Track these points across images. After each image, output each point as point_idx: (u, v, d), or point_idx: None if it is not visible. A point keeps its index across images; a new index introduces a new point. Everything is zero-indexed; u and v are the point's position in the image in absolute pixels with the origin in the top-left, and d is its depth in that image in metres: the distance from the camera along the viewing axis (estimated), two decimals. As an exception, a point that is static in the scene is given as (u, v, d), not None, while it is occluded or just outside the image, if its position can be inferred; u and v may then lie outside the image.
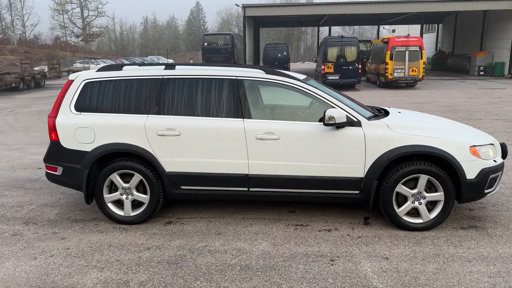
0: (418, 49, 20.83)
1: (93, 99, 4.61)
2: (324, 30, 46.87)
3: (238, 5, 30.34)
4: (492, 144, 4.44)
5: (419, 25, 41.18)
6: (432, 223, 4.30)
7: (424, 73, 21.31)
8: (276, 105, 4.79)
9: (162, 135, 4.44)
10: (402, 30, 44.60)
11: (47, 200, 5.51)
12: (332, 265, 3.67)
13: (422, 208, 4.28)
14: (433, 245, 4.02)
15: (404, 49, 20.83)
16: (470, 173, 4.20)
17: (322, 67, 21.14)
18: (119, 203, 4.65)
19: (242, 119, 4.40)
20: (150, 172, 4.50)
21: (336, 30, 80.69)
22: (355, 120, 4.29)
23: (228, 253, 3.92)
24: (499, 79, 26.10)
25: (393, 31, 48.57)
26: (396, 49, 20.79)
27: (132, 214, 4.61)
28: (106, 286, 3.42)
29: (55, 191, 5.86)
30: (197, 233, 4.39)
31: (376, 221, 4.57)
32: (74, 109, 4.62)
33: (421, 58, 20.82)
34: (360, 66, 21.23)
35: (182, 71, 4.62)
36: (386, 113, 4.88)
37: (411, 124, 4.44)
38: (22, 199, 5.58)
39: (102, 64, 6.77)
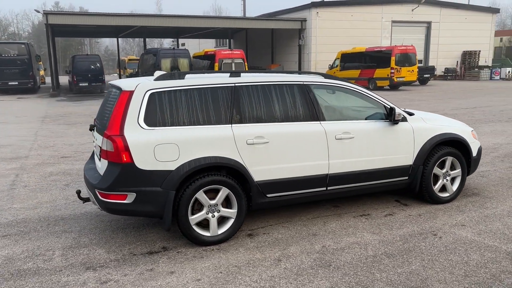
0: (242, 61, 22.83)
1: (165, 112, 4.10)
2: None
3: (38, 11, 26.95)
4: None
5: (211, 39, 44.54)
6: (455, 195, 5.42)
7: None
8: (338, 106, 5.13)
9: (252, 144, 4.31)
10: (192, 43, 46.98)
11: (84, 239, 4.47)
12: (440, 237, 4.35)
13: (448, 184, 5.36)
14: (477, 208, 5.10)
15: (231, 61, 22.53)
16: (474, 151, 5.49)
17: (157, 78, 20.93)
18: (200, 224, 4.25)
19: (319, 122, 4.64)
20: (237, 184, 4.29)
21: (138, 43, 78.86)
22: (403, 116, 5.07)
23: (353, 248, 4.16)
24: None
25: (183, 44, 50.69)
26: (224, 61, 22.32)
27: (220, 232, 4.29)
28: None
29: (69, 229, 4.76)
30: (295, 237, 4.42)
31: (410, 202, 5.42)
32: (144, 123, 4.01)
33: (245, 69, 22.88)
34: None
35: (250, 78, 4.55)
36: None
37: (434, 118, 5.47)
38: (55, 243, 4.37)
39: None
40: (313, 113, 4.64)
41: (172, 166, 4.02)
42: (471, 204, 5.29)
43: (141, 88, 4.10)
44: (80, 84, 26.14)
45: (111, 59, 78.85)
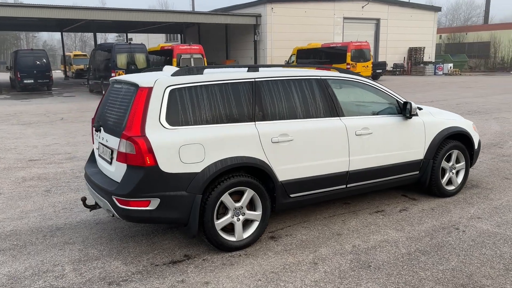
0: (201, 56, 22.35)
1: (187, 110, 3.79)
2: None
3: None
4: None
5: (161, 34, 43.42)
6: (460, 188, 5.49)
7: (207, 79, 22.99)
8: (353, 101, 5.00)
9: (277, 142, 4.09)
10: (140, 39, 45.51)
11: (92, 251, 4.03)
12: (463, 231, 4.35)
13: (454, 177, 5.42)
14: (483, 200, 5.18)
15: (189, 57, 21.99)
16: (475, 144, 5.59)
17: (113, 74, 20.00)
18: (224, 228, 3.98)
19: (339, 118, 4.51)
20: (262, 185, 4.06)
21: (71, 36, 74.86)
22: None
23: (383, 246, 4.06)
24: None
25: (130, 39, 48.93)
26: (182, 57, 21.75)
27: (245, 236, 4.04)
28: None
29: (70, 240, 4.30)
30: (321, 238, 4.26)
31: (417, 196, 5.43)
32: (166, 123, 3.68)
33: (204, 64, 22.41)
34: (151, 73, 21.15)
35: (269, 72, 4.32)
36: None
37: (439, 112, 5.50)
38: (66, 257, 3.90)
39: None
40: (333, 108, 4.49)
41: (197, 168, 3.72)
42: (476, 197, 5.38)
43: (160, 84, 3.76)
44: (25, 81, 24.45)
45: (51, 55, 74.84)
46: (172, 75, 3.89)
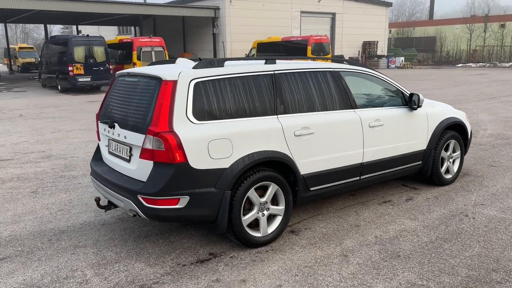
0: (162, 49, 21.82)
1: (212, 103, 3.66)
2: None
3: None
4: None
5: (113, 26, 41.98)
6: (456, 176, 5.69)
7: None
8: (364, 93, 5.00)
9: (300, 135, 4.05)
10: (90, 31, 43.78)
11: (108, 253, 3.80)
12: (473, 218, 4.51)
13: (451, 166, 5.61)
14: (479, 187, 5.40)
15: (150, 49, 21.42)
16: (469, 133, 5.81)
17: (70, 68, 19.11)
18: (248, 224, 3.90)
19: (353, 110, 4.53)
20: (285, 179, 4.01)
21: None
22: (418, 102, 5.16)
23: (404, 235, 4.13)
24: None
25: (79, 32, 46.91)
26: (143, 49, 21.14)
27: (269, 231, 3.98)
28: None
29: (80, 243, 4.04)
30: (341, 230, 4.27)
31: (417, 186, 5.57)
32: (193, 117, 3.54)
33: (165, 58, 21.91)
34: (111, 66, 20.42)
35: (286, 64, 4.26)
36: None
37: (437, 103, 5.65)
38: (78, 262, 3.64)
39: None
40: (347, 101, 4.50)
41: (225, 164, 3.61)
42: (471, 184, 5.60)
43: (185, 77, 3.60)
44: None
45: (-9, 48, 70.27)
46: (194, 68, 3.73)
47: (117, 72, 4.39)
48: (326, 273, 3.47)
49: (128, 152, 3.79)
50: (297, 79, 4.21)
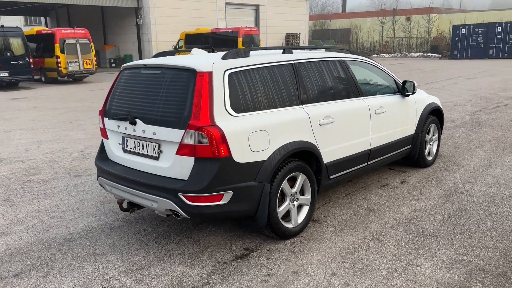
0: (88, 41, 20.55)
1: (246, 95, 3.56)
2: None
3: None
4: None
5: (19, 16, 38.61)
6: (435, 158, 6.09)
7: (97, 66, 21.29)
8: (365, 81, 5.09)
9: (323, 125, 4.07)
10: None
11: (135, 258, 3.52)
12: (469, 195, 4.85)
13: (432, 149, 5.99)
14: (456, 166, 5.82)
15: (75, 41, 20.07)
16: (444, 117, 6.24)
17: (-16, 62, 17.29)
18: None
19: (362, 98, 4.64)
20: (310, 168, 4.03)
21: None
22: (409, 89, 5.42)
23: (419, 215, 4.33)
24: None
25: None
26: (66, 41, 19.75)
27: (299, 222, 3.97)
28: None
29: (96, 251, 3.70)
30: (359, 215, 4.37)
31: (402, 168, 5.87)
32: (231, 110, 3.41)
33: (92, 51, 20.68)
34: (31, 60, 18.78)
35: (302, 54, 4.25)
36: None
37: (419, 90, 5.96)
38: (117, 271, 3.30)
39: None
40: (355, 89, 4.60)
41: (264, 156, 3.53)
42: (449, 164, 6.03)
43: (219, 68, 3.44)
44: None
45: None
46: (223, 58, 3.58)
47: (124, 65, 4.07)
48: (370, 257, 3.55)
49: (156, 149, 3.54)
50: (313, 68, 4.22)
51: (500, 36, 31.87)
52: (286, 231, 3.81)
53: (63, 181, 5.75)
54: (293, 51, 4.23)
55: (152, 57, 4.25)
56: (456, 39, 33.16)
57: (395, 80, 5.28)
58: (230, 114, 3.38)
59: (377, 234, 3.95)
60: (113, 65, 31.13)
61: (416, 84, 5.23)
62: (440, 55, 36.54)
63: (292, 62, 4.03)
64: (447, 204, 4.62)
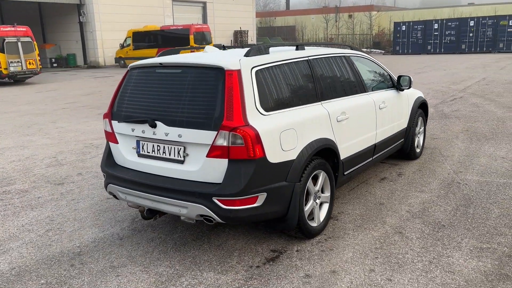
0: (30, 39, 19.34)
1: (272, 92, 3.46)
2: None
3: None
4: None
5: None
6: (422, 149, 6.28)
7: (41, 66, 20.08)
8: (365, 77, 5.08)
9: (341, 121, 4.05)
10: None
11: (159, 269, 3.29)
12: (466, 184, 5.04)
13: (419, 140, 6.17)
14: (442, 157, 6.03)
15: (16, 40, 18.80)
16: (428, 110, 6.45)
17: None
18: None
19: (367, 93, 4.67)
20: (329, 165, 4.00)
21: None
22: (403, 84, 5.53)
23: (429, 207, 4.42)
24: (78, 69, 27.87)
25: None
26: (6, 40, 18.48)
27: (321, 220, 3.93)
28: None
29: (113, 264, 3.43)
30: (371, 209, 4.40)
31: (395, 161, 6.00)
32: (261, 108, 3.29)
33: (35, 50, 19.50)
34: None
35: (314, 50, 4.20)
36: None
37: (406, 85, 6.10)
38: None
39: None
40: (362, 85, 4.62)
41: (293, 155, 3.44)
42: (435, 155, 6.24)
43: (246, 65, 3.30)
44: None
45: None
46: (246, 55, 3.44)
47: (132, 64, 3.80)
48: (400, 251, 3.57)
49: (181, 152, 3.34)
50: (325, 64, 4.18)
51: (437, 33, 33.74)
52: (312, 230, 3.75)
53: (45, 191, 5.32)
54: (306, 47, 4.17)
55: (159, 55, 4.02)
56: (398, 35, 34.68)
57: (390, 75, 5.36)
58: (261, 113, 3.26)
59: (397, 228, 3.98)
60: (55, 64, 29.61)
61: (412, 79, 5.34)
62: (383, 51, 38.03)
63: (307, 58, 3.97)
64: (450, 194, 4.76)
